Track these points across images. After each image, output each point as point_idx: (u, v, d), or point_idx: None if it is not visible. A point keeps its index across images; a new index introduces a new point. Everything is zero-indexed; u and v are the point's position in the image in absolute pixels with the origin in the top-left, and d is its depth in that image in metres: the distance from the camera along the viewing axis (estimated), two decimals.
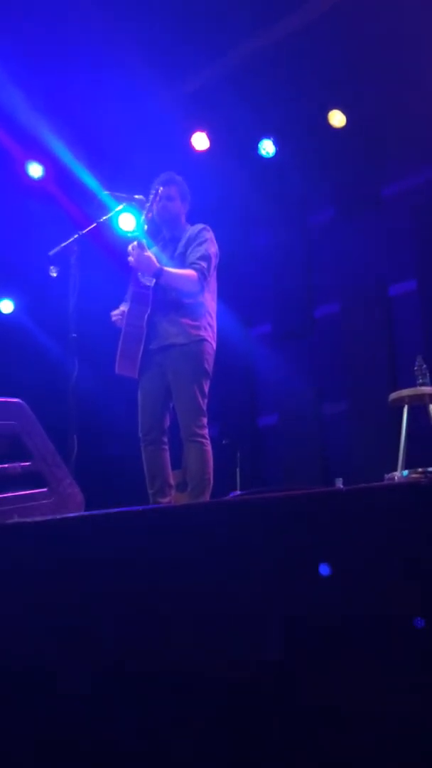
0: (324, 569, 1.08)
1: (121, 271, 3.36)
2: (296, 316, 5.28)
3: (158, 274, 2.91)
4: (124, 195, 3.09)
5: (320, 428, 5.03)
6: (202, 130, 4.92)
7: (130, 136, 4.83)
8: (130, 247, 2.94)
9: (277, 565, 1.14)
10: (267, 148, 4.94)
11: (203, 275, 3.00)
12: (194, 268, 3.00)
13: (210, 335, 3.07)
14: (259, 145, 4.95)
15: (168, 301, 3.01)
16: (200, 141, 4.93)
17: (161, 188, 3.01)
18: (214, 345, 3.10)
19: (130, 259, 2.94)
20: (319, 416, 5.04)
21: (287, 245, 5.35)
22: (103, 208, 3.25)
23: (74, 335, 2.91)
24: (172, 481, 3.05)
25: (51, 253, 2.91)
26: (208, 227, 3.13)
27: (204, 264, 3.01)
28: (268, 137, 4.92)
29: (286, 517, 1.16)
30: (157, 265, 2.91)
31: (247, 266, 5.49)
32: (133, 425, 3.16)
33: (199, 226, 3.13)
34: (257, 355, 5.48)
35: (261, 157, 4.98)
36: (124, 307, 3.09)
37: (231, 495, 3.59)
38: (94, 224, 3.09)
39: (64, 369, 2.99)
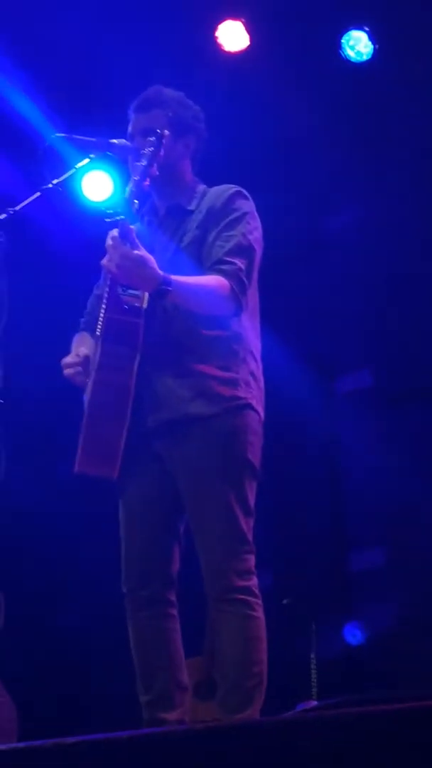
0: None
1: (84, 282, 3.43)
2: (423, 356, 5.30)
3: (163, 289, 2.93)
4: (93, 140, 3.19)
5: None
6: (236, 18, 5.09)
7: (105, 34, 5.00)
8: (109, 240, 2.98)
9: None
10: (358, 45, 5.08)
11: (241, 285, 3.05)
12: (224, 273, 3.04)
13: (255, 395, 3.11)
14: (344, 42, 5.09)
15: (175, 336, 3.06)
16: (233, 35, 5.09)
17: (139, 117, 3.10)
18: (262, 414, 3.13)
19: (106, 262, 2.99)
20: None
21: (399, 224, 5.40)
22: (57, 165, 3.33)
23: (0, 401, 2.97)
24: (185, 680, 3.05)
25: None
26: (244, 191, 3.20)
27: (241, 263, 3.06)
28: (359, 27, 5.06)
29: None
30: (160, 272, 2.93)
31: (322, 264, 5.56)
32: (110, 570, 3.17)
33: (228, 188, 3.20)
34: (347, 431, 5.49)
35: (347, 62, 5.10)
36: (85, 349, 3.14)
37: (299, 708, 3.55)
38: (37, 194, 3.18)
39: None
